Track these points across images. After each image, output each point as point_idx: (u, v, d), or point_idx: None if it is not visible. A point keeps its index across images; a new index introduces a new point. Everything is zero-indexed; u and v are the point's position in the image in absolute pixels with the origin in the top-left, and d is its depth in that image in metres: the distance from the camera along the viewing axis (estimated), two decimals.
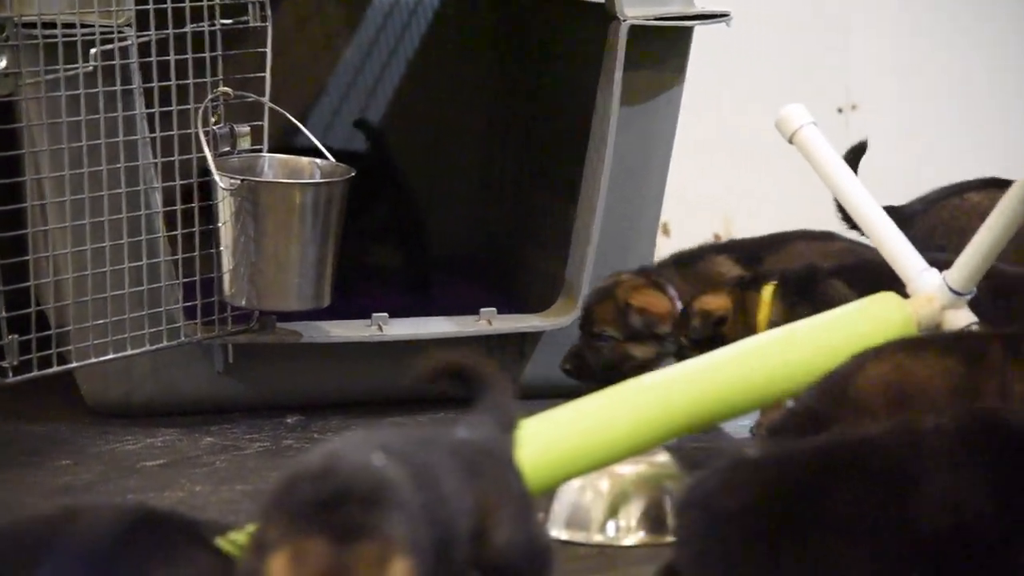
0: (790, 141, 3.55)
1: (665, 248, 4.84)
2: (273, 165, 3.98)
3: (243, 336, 3.99)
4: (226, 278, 3.90)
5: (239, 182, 3.82)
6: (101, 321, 3.80)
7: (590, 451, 3.07)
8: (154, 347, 3.88)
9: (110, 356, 3.82)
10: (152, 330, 3.87)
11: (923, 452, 2.35)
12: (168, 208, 3.90)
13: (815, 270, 3.64)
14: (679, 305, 3.79)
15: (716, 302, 3.64)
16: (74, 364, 3.82)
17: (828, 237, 3.98)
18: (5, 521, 2.53)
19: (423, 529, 2.19)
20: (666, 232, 5.27)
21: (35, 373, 3.69)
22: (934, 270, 3.31)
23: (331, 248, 3.91)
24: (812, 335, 3.24)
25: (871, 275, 3.57)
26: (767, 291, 3.61)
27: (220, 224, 3.87)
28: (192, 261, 3.93)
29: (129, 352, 3.84)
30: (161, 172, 3.88)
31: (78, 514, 2.54)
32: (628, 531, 3.11)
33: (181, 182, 3.88)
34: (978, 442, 2.35)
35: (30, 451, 3.72)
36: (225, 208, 3.85)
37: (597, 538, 3.11)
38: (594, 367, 3.84)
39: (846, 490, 2.36)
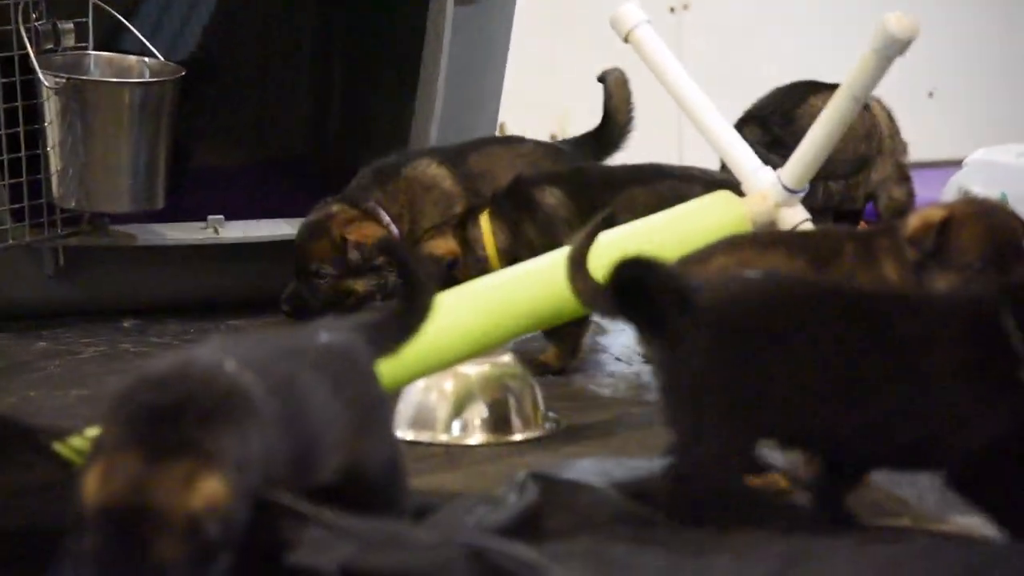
0: (625, 40, 3.55)
1: None
2: (100, 64, 3.92)
3: (74, 239, 3.93)
4: (54, 179, 3.85)
5: (64, 80, 3.77)
6: None
7: (434, 351, 3.07)
8: None
9: None
10: None
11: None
12: None
13: (523, 183, 3.64)
14: (395, 230, 3.75)
15: (444, 246, 3.61)
16: None
17: (519, 141, 3.99)
18: None
19: (278, 444, 2.17)
20: (502, 132, 5.26)
21: None
22: (768, 168, 3.36)
23: (163, 149, 3.88)
24: (649, 234, 3.26)
25: (580, 179, 3.64)
26: (484, 220, 3.60)
27: (46, 124, 3.82)
28: (18, 162, 3.85)
29: None
30: None
31: None
32: (473, 431, 3.13)
33: (4, 80, 3.79)
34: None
35: None
36: (51, 107, 3.80)
37: (442, 438, 3.12)
38: (314, 305, 3.73)
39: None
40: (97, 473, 2.05)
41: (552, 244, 3.43)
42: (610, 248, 3.17)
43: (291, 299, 3.77)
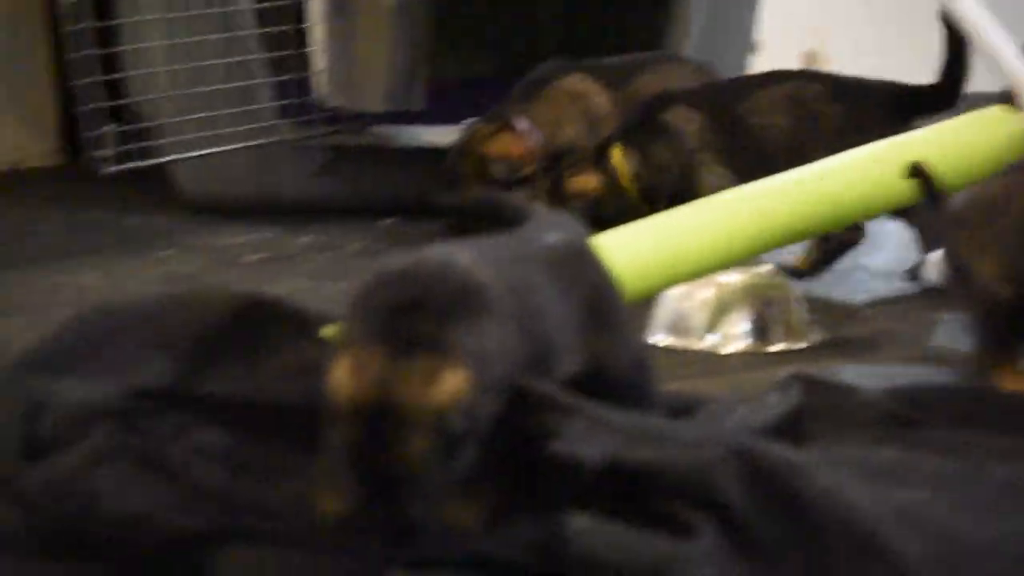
0: None
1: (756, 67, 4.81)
2: None
3: (337, 137, 4.00)
4: (319, 79, 3.90)
5: None
6: (195, 116, 3.83)
7: (685, 260, 3.07)
8: (248, 144, 3.90)
9: (204, 151, 3.85)
10: (246, 127, 3.89)
11: None
12: (260, 5, 3.89)
13: (650, 106, 3.60)
14: (537, 137, 3.72)
15: (588, 181, 3.59)
16: (170, 157, 3.85)
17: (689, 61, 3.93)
18: (121, 303, 2.57)
19: (513, 343, 2.20)
20: (755, 50, 5.22)
21: (131, 164, 3.74)
22: None
23: (421, 53, 3.91)
24: (916, 148, 3.20)
25: (707, 94, 3.59)
26: (616, 154, 3.57)
27: (311, 24, 3.87)
28: (286, 61, 3.93)
29: (223, 148, 3.86)
30: None
31: (191, 299, 2.58)
32: (732, 339, 3.12)
33: None
34: None
35: (128, 240, 3.76)
36: (316, 7, 3.85)
37: (700, 345, 3.12)
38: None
39: None
40: (344, 369, 2.10)
41: (685, 164, 3.42)
42: (879, 159, 3.17)
43: None
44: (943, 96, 3.52)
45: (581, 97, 3.77)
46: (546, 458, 2.20)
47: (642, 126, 3.59)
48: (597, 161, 3.60)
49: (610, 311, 2.38)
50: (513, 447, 2.22)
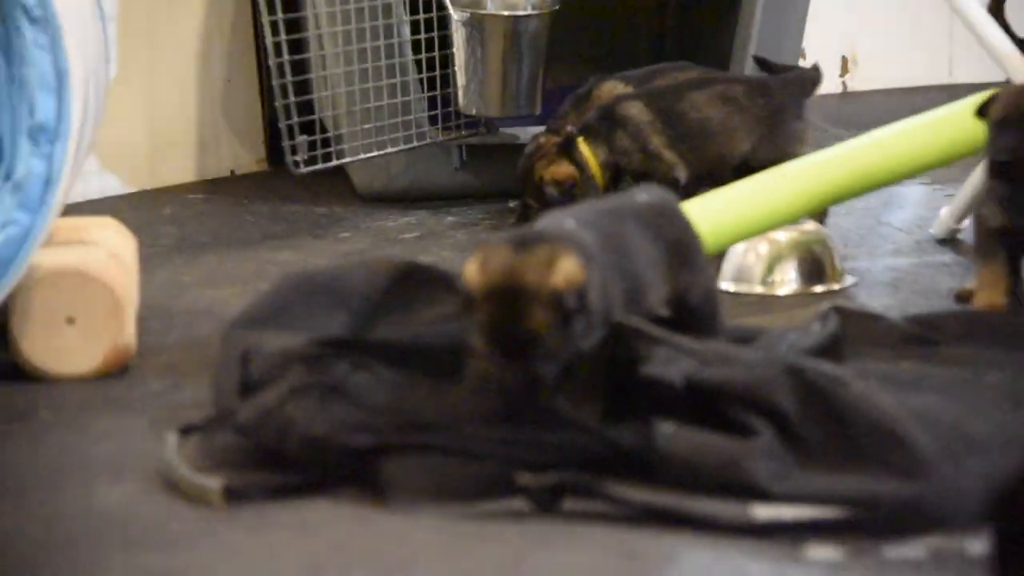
0: None
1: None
2: (494, 0, 3.94)
3: (473, 138, 4.00)
4: (460, 92, 3.90)
5: (468, 15, 3.80)
6: (366, 126, 3.86)
7: (754, 219, 3.04)
8: (406, 147, 3.92)
9: (373, 153, 3.88)
10: (405, 133, 3.91)
11: None
12: (415, 37, 3.90)
13: (609, 105, 3.49)
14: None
15: (563, 171, 3.46)
16: (347, 159, 3.88)
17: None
18: (309, 271, 2.59)
19: (612, 285, 2.18)
20: (802, 56, 5.11)
21: (319, 166, 3.78)
22: None
23: (540, 67, 3.89)
24: (948, 120, 3.07)
25: (653, 92, 3.49)
26: (582, 144, 3.45)
27: (455, 49, 3.87)
28: (434, 79, 3.94)
29: (388, 151, 3.89)
30: (409, 7, 3.87)
31: (362, 266, 2.59)
32: (783, 283, 3.08)
33: (424, 16, 3.87)
34: None
35: (316, 226, 3.78)
36: (458, 36, 3.85)
37: (758, 289, 3.08)
38: None
39: None
40: (476, 264, 2.10)
41: (642, 147, 3.39)
42: (915, 130, 3.07)
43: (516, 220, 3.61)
44: (817, 78, 3.57)
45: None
46: (638, 378, 2.19)
47: (603, 121, 3.48)
48: (567, 153, 3.47)
49: (691, 254, 2.37)
50: (612, 369, 2.21)
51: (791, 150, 3.39)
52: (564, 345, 2.08)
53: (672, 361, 2.18)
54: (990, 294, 2.69)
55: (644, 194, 2.40)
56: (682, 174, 3.44)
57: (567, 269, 2.08)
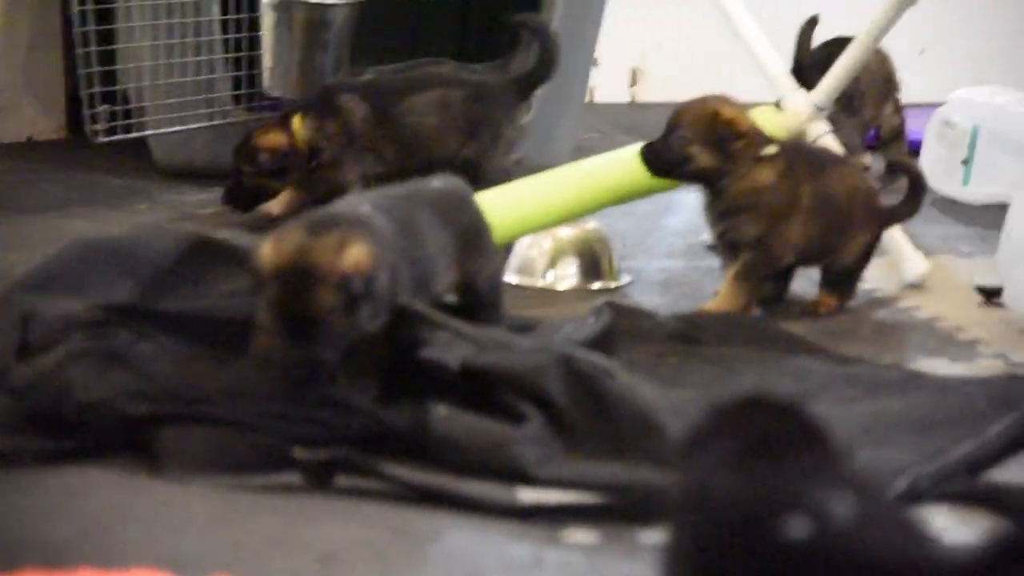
0: None
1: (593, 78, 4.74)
2: None
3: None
4: (266, 74, 3.81)
5: (277, 1, 3.72)
6: (170, 101, 3.74)
7: (538, 215, 3.03)
8: (209, 124, 3.80)
9: (175, 128, 3.76)
10: (208, 111, 3.80)
11: None
12: (224, 17, 3.80)
13: (329, 89, 3.46)
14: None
15: (274, 140, 3.40)
16: (148, 132, 3.75)
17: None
18: (96, 238, 2.48)
19: (402, 268, 2.15)
20: (595, 65, 5.15)
21: (118, 136, 3.64)
22: (803, 90, 3.24)
23: (345, 55, 3.83)
24: None
25: (374, 87, 3.44)
26: (297, 121, 3.41)
27: (263, 31, 3.78)
28: (240, 60, 3.84)
29: (189, 126, 3.77)
30: None
31: (151, 235, 2.49)
32: (564, 279, 3.08)
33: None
34: None
35: (113, 196, 3.65)
36: (267, 19, 3.76)
37: (540, 283, 3.08)
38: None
39: None
40: (270, 244, 2.05)
41: (350, 138, 3.37)
42: None
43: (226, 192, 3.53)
44: (541, 77, 3.49)
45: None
46: (417, 361, 2.16)
47: (322, 102, 3.43)
48: (283, 124, 3.43)
49: (480, 241, 2.36)
50: (393, 351, 2.17)
51: (498, 156, 3.41)
52: (348, 329, 2.04)
53: (450, 345, 2.16)
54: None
55: (438, 181, 2.37)
56: (355, 181, 3.38)
57: (356, 254, 2.04)
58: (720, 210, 2.74)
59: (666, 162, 2.70)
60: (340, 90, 3.46)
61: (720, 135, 2.67)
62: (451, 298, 2.35)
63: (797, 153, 2.84)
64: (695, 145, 2.69)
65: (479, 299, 2.36)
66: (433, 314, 2.17)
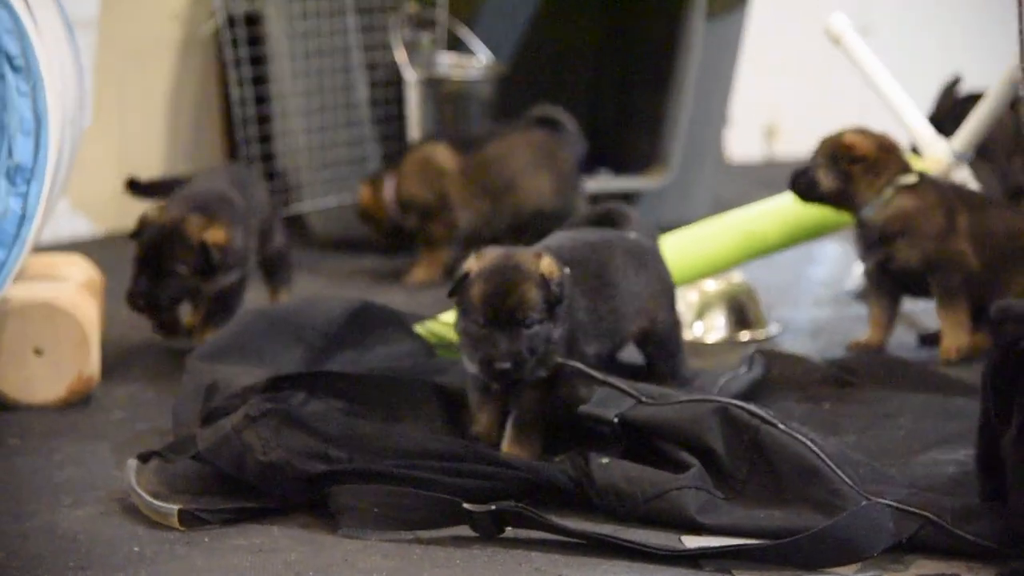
0: (835, 43, 3.39)
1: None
2: (447, 63, 3.95)
3: None
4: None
5: (423, 76, 3.82)
6: (325, 177, 3.85)
7: (683, 271, 3.04)
8: None
9: (331, 202, 3.86)
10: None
11: None
12: (372, 95, 3.91)
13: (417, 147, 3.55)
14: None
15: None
16: (307, 206, 3.86)
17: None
18: (270, 308, 2.57)
19: (586, 317, 2.27)
20: (729, 124, 5.16)
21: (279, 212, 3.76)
22: (942, 138, 3.21)
23: (490, 123, 3.89)
24: None
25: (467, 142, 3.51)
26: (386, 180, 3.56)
27: (409, 108, 3.87)
28: (389, 134, 3.93)
29: (344, 199, 3.88)
30: (367, 68, 3.88)
31: (318, 304, 2.58)
32: (712, 330, 3.09)
33: (382, 76, 3.88)
34: None
35: None
36: (413, 95, 3.85)
37: (688, 336, 3.08)
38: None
39: None
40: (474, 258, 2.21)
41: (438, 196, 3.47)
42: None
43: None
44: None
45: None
46: (577, 416, 2.20)
47: (404, 162, 3.52)
48: (373, 183, 3.55)
49: (665, 287, 2.45)
50: (554, 407, 2.21)
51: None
52: (547, 326, 2.14)
53: (609, 400, 2.19)
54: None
55: (635, 233, 2.45)
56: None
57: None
58: (870, 241, 2.77)
59: (800, 184, 2.80)
60: (427, 142, 3.52)
61: (840, 158, 2.77)
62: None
63: (951, 188, 2.87)
64: (820, 168, 2.79)
65: (660, 342, 2.43)
66: (591, 371, 2.21)
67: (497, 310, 2.14)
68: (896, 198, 2.77)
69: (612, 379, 2.20)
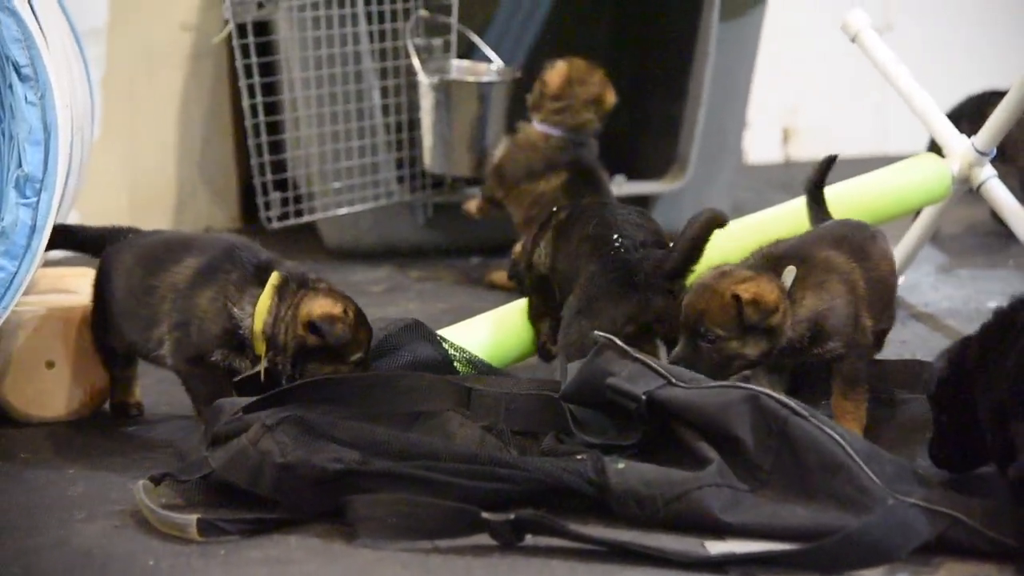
0: (852, 40, 3.36)
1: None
2: (460, 68, 3.94)
3: (438, 197, 3.99)
4: (427, 153, 3.89)
5: (437, 80, 3.80)
6: (337, 185, 3.84)
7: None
8: (374, 204, 3.90)
9: (343, 210, 3.86)
10: (373, 192, 3.90)
11: None
12: (384, 101, 3.90)
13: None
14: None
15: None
16: (318, 215, 3.86)
17: None
18: None
19: None
20: (747, 127, 5.15)
21: (291, 222, 3.76)
22: (964, 136, 3.19)
23: (502, 129, 3.89)
24: (874, 185, 3.08)
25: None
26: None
27: (422, 113, 3.87)
28: (401, 141, 3.94)
29: (356, 208, 3.87)
30: (379, 74, 3.87)
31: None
32: None
33: (393, 81, 3.88)
34: None
35: None
36: (426, 100, 3.84)
37: None
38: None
39: None
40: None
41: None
42: (846, 196, 3.04)
43: None
44: None
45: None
46: (609, 387, 2.18)
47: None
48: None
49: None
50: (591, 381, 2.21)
51: None
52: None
53: (639, 378, 2.17)
54: None
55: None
56: None
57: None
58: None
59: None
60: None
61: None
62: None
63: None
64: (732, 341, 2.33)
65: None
66: (625, 346, 2.20)
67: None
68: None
69: (645, 357, 2.19)
